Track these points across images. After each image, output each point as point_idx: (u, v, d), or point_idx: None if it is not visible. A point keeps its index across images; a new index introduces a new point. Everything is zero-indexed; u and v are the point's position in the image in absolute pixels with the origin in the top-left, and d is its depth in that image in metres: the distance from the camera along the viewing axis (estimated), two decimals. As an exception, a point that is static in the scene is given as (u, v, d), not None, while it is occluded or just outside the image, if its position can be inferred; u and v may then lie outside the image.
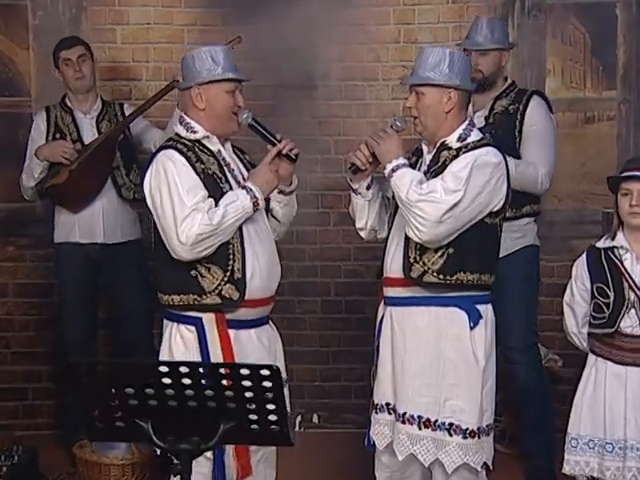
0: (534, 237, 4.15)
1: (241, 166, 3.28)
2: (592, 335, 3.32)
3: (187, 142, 3.16)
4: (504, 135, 4.01)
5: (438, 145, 3.21)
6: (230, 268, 3.10)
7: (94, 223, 4.30)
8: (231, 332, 3.13)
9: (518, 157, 4.00)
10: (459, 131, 3.20)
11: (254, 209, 3.11)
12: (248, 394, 2.26)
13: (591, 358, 3.35)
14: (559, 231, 4.61)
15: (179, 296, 3.13)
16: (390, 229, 3.31)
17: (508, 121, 4.04)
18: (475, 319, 3.19)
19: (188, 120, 3.19)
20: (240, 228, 3.12)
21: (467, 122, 3.23)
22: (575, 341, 3.41)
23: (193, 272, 3.10)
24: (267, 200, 3.22)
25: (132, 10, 4.77)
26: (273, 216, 3.32)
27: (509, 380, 4.10)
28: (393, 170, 3.14)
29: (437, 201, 3.07)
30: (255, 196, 3.10)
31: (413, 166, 3.26)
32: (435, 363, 3.19)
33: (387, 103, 4.78)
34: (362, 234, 3.40)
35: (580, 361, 4.64)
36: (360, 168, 3.23)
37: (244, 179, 3.21)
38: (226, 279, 3.10)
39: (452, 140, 3.20)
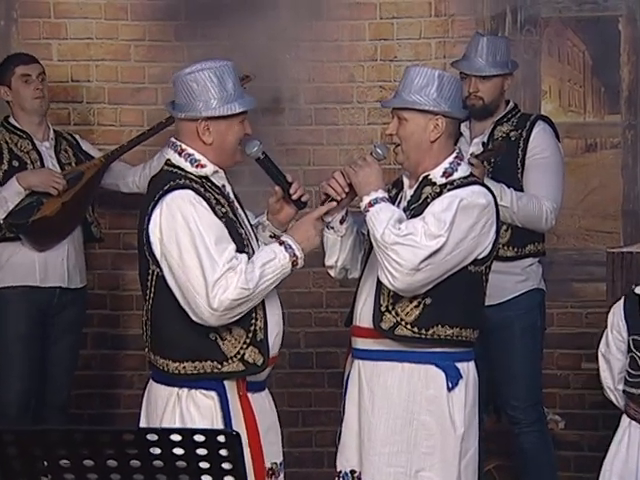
0: (539, 280, 4.13)
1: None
2: (627, 394, 3.28)
3: (196, 179, 3.00)
4: (505, 164, 4.02)
5: (420, 179, 3.20)
6: (253, 328, 3.00)
7: (58, 265, 4.27)
8: (250, 396, 3.04)
9: (520, 189, 4.00)
10: (445, 165, 3.18)
11: (292, 270, 3.00)
12: (203, 464, 2.20)
13: (625, 420, 3.31)
14: (559, 273, 4.61)
15: (194, 363, 2.98)
16: (363, 270, 3.29)
17: (509, 149, 4.04)
18: (454, 379, 3.15)
19: (190, 151, 3.02)
20: None
21: (454, 155, 3.21)
22: (611, 397, 3.38)
23: (212, 335, 2.96)
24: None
25: (71, 22, 4.74)
26: None
27: (509, 443, 4.06)
28: (370, 204, 3.11)
29: (416, 246, 3.04)
30: (295, 254, 2.98)
31: (393, 200, 3.24)
32: (407, 428, 3.15)
33: (363, 128, 4.78)
34: (331, 272, 3.36)
35: (585, 422, 4.63)
36: (335, 199, 3.19)
37: (248, 219, 3.14)
38: (248, 341, 2.99)
39: (436, 175, 3.18)
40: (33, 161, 4.29)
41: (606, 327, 3.39)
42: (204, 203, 2.94)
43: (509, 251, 4.00)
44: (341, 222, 3.25)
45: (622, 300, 3.33)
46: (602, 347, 3.38)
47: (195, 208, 2.92)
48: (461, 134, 4.15)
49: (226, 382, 3.00)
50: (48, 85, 4.49)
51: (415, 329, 3.12)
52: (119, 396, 4.79)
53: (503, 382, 4.02)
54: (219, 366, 2.97)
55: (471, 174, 3.24)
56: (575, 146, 4.73)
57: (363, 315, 3.21)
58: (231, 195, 3.11)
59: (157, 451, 2.20)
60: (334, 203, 3.15)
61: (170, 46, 4.75)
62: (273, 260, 2.96)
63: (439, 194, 3.14)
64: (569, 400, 4.64)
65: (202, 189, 2.97)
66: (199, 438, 2.18)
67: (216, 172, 3.05)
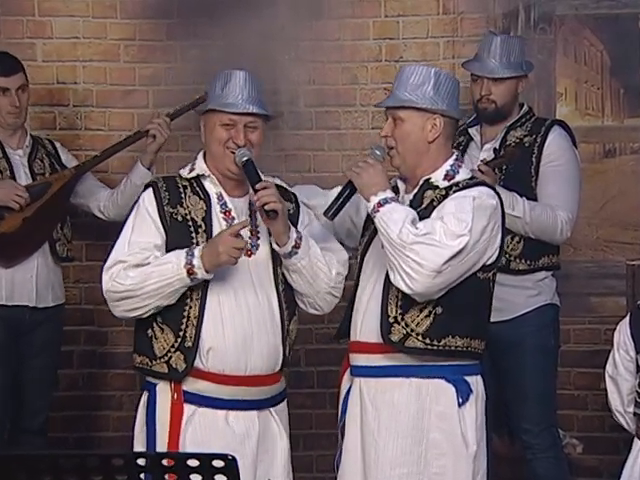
0: (552, 294, 4.12)
1: (257, 215, 3.23)
2: (637, 416, 3.28)
3: (180, 179, 3.26)
4: (517, 172, 4.00)
5: (421, 183, 3.21)
6: (182, 333, 3.15)
7: (26, 282, 4.25)
8: (189, 408, 3.14)
9: (534, 199, 3.99)
10: (445, 167, 3.20)
11: (190, 278, 3.09)
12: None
13: (637, 444, 3.32)
14: (575, 287, 4.59)
15: (139, 357, 3.24)
16: (357, 283, 3.28)
17: (523, 156, 4.03)
18: (464, 394, 3.16)
19: (199, 156, 3.30)
20: (206, 288, 3.13)
21: (454, 157, 3.24)
22: (621, 421, 3.37)
23: (149, 331, 3.19)
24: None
25: (56, 21, 4.74)
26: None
27: (523, 468, 4.04)
28: (380, 204, 3.10)
29: (438, 245, 3.04)
30: (191, 262, 3.09)
31: None
32: (417, 448, 3.14)
33: (366, 133, 4.77)
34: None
35: (604, 446, 4.60)
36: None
37: (254, 232, 3.21)
38: (177, 345, 3.15)
39: (438, 178, 3.20)
40: (2, 170, 4.27)
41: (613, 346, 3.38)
42: (153, 202, 3.19)
43: (522, 264, 3.99)
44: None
45: (628, 317, 3.32)
46: (609, 368, 3.37)
47: (140, 204, 3.23)
48: (472, 139, 4.15)
49: (159, 384, 3.17)
50: (32, 87, 4.48)
51: (427, 340, 3.13)
52: (107, 418, 4.77)
53: (515, 404, 4.00)
54: (150, 363, 3.18)
55: (473, 176, 3.26)
56: (593, 151, 4.72)
57: (365, 329, 3.21)
58: (229, 204, 3.22)
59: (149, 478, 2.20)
60: (247, 221, 3.17)
61: (162, 46, 4.74)
62: (167, 264, 3.11)
63: (445, 196, 3.16)
64: (587, 422, 4.62)
65: (165, 186, 3.21)
66: (193, 463, 2.18)
67: (204, 176, 3.24)
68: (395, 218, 3.06)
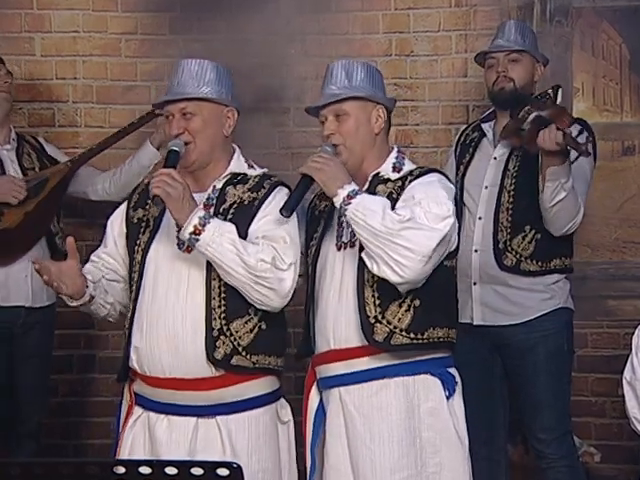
0: (566, 298, 4.07)
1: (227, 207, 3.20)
2: None
3: None
4: (529, 169, 3.96)
5: (370, 179, 3.23)
6: (125, 335, 3.27)
7: (21, 282, 4.27)
8: (137, 411, 3.21)
9: (536, 199, 3.91)
10: (391, 160, 3.25)
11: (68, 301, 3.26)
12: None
13: None
14: (592, 289, 4.59)
15: None
16: (313, 290, 3.26)
17: (535, 154, 3.99)
18: (451, 386, 3.19)
19: None
20: (138, 290, 3.20)
21: (396, 150, 3.29)
22: (638, 428, 3.35)
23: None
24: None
25: (55, 14, 4.76)
26: None
27: (538, 478, 4.03)
28: (349, 197, 3.09)
29: (427, 229, 3.04)
30: None
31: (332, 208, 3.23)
32: (412, 449, 3.15)
33: (376, 130, 4.77)
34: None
35: (623, 455, 4.59)
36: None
37: None
38: (124, 347, 3.27)
39: (387, 171, 3.23)
40: None
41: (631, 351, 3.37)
42: (124, 207, 3.34)
43: (532, 265, 3.94)
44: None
45: None
46: (627, 373, 3.35)
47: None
48: (484, 135, 4.12)
49: (126, 388, 3.25)
50: (30, 83, 4.49)
51: (411, 334, 3.14)
52: (108, 425, 4.77)
53: (527, 410, 3.97)
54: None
55: (419, 167, 3.28)
56: (611, 149, 4.71)
57: (342, 335, 3.19)
58: None
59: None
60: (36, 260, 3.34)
61: (164, 40, 4.75)
62: None
63: (402, 187, 3.18)
64: (605, 430, 4.61)
65: (142, 190, 3.31)
66: (197, 471, 2.19)
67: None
68: (373, 208, 3.05)
